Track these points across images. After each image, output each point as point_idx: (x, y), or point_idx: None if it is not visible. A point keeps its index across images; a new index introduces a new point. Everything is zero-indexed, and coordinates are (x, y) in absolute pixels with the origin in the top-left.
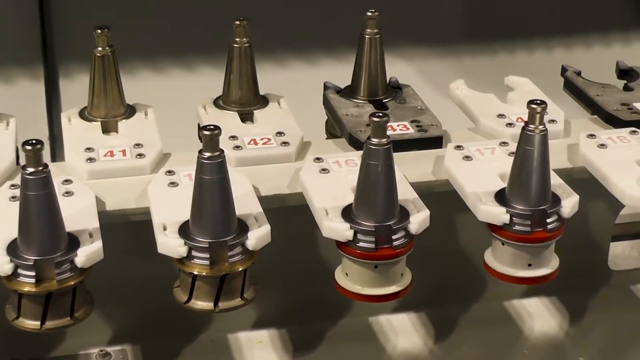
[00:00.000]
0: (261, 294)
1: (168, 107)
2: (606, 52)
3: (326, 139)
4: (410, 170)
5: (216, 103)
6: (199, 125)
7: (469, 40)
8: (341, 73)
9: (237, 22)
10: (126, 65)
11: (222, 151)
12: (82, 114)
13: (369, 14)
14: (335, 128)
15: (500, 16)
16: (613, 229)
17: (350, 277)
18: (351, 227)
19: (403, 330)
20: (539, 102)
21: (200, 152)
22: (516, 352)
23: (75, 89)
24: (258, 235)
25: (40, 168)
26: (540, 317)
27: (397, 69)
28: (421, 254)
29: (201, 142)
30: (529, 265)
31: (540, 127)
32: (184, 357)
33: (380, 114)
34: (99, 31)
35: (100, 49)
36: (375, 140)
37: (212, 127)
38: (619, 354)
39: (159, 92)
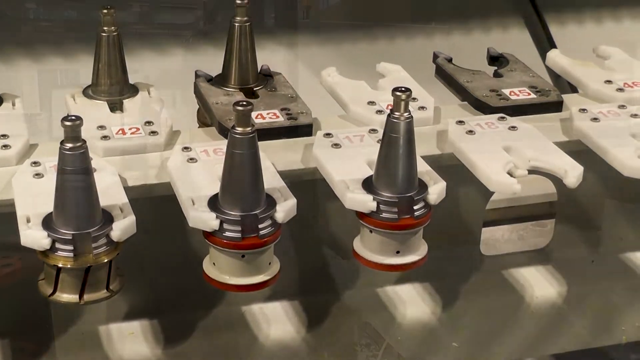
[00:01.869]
0: (131, 285)
1: (40, 97)
2: (485, 38)
3: (198, 127)
4: (279, 158)
5: (85, 92)
6: None
7: (349, 27)
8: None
9: (105, 11)
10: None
11: (84, 142)
12: None
13: (238, 1)
14: (206, 117)
15: (381, 2)
16: (485, 214)
17: (218, 267)
18: (217, 217)
19: (276, 319)
20: (403, 89)
21: (61, 143)
22: (389, 339)
23: None
24: (123, 226)
25: None
26: (412, 303)
27: (278, 56)
28: (293, 242)
29: None
30: (397, 252)
31: (406, 114)
32: (54, 351)
33: (244, 103)
34: None
35: None
36: (239, 129)
37: (73, 117)
38: (490, 337)
39: (31, 80)
